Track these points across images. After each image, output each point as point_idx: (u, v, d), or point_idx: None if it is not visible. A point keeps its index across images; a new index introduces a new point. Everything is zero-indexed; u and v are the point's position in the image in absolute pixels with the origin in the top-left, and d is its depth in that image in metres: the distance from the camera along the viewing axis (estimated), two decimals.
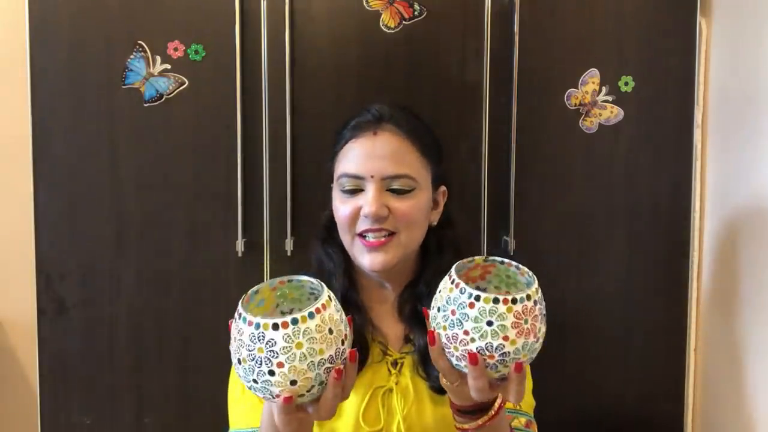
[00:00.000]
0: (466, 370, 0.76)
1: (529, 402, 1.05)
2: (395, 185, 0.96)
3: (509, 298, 0.72)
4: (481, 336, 0.72)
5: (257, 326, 0.69)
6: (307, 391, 0.72)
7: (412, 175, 0.97)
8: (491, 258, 0.84)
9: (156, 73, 1.35)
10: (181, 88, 1.35)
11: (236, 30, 1.34)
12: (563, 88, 1.41)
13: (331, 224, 1.04)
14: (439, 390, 0.96)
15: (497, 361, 0.73)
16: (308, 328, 0.70)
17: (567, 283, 1.44)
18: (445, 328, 0.75)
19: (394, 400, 0.97)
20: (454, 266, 0.79)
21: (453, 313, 0.74)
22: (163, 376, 1.39)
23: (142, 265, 1.38)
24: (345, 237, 0.99)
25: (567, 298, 1.44)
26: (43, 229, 1.36)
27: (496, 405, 0.86)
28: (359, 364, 0.95)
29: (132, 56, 1.34)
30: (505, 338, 0.72)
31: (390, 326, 1.03)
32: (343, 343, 0.74)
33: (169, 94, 1.35)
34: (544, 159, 1.41)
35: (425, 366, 0.97)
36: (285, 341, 0.69)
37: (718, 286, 1.43)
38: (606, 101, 1.41)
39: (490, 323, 0.72)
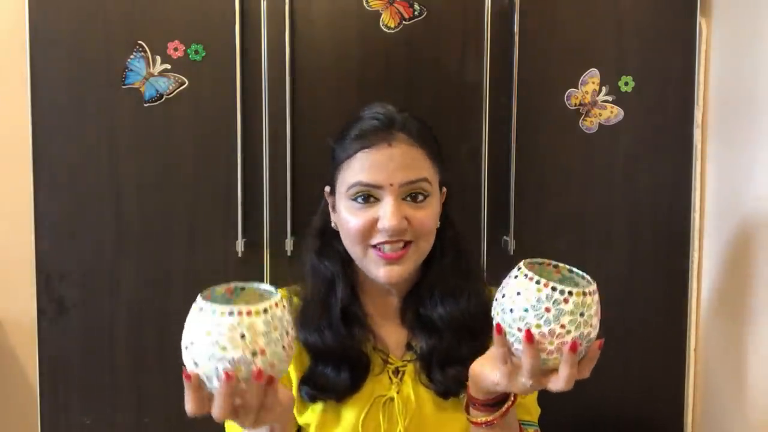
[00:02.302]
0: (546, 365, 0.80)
1: (535, 409, 1.04)
2: (413, 192, 0.93)
3: (588, 290, 0.79)
4: (576, 327, 0.79)
5: (231, 313, 0.71)
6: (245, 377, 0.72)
7: (429, 179, 0.94)
8: (553, 262, 0.90)
9: (156, 73, 1.34)
10: (181, 88, 1.35)
11: (236, 30, 1.34)
12: (563, 88, 1.40)
13: (325, 231, 1.01)
14: (444, 394, 0.95)
15: (584, 347, 0.81)
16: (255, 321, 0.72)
17: None
18: (538, 326, 0.78)
19: (396, 410, 0.95)
20: (525, 268, 0.82)
21: (547, 310, 0.78)
22: (163, 376, 1.39)
23: (142, 265, 1.37)
24: (355, 248, 0.94)
25: None
26: (43, 229, 1.36)
27: (511, 398, 0.87)
28: (360, 378, 0.95)
29: (132, 56, 1.34)
30: (591, 326, 0.80)
31: (391, 333, 1.00)
32: (284, 348, 0.74)
33: (169, 94, 1.35)
34: (544, 159, 1.41)
35: (429, 372, 0.96)
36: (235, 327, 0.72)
37: (718, 286, 1.43)
38: (606, 101, 1.41)
39: (582, 314, 0.79)
